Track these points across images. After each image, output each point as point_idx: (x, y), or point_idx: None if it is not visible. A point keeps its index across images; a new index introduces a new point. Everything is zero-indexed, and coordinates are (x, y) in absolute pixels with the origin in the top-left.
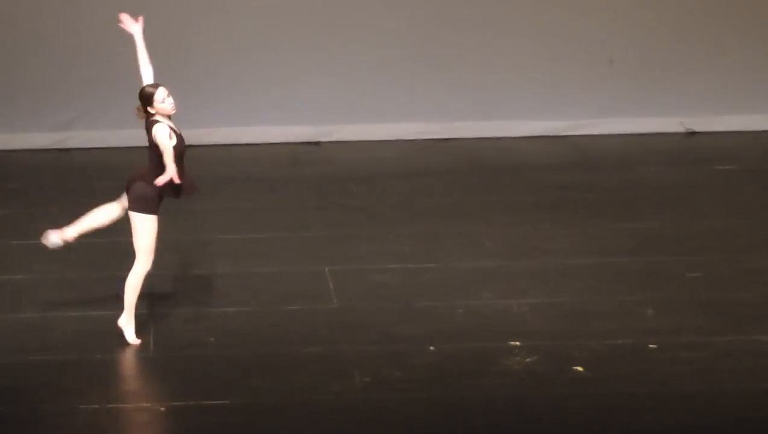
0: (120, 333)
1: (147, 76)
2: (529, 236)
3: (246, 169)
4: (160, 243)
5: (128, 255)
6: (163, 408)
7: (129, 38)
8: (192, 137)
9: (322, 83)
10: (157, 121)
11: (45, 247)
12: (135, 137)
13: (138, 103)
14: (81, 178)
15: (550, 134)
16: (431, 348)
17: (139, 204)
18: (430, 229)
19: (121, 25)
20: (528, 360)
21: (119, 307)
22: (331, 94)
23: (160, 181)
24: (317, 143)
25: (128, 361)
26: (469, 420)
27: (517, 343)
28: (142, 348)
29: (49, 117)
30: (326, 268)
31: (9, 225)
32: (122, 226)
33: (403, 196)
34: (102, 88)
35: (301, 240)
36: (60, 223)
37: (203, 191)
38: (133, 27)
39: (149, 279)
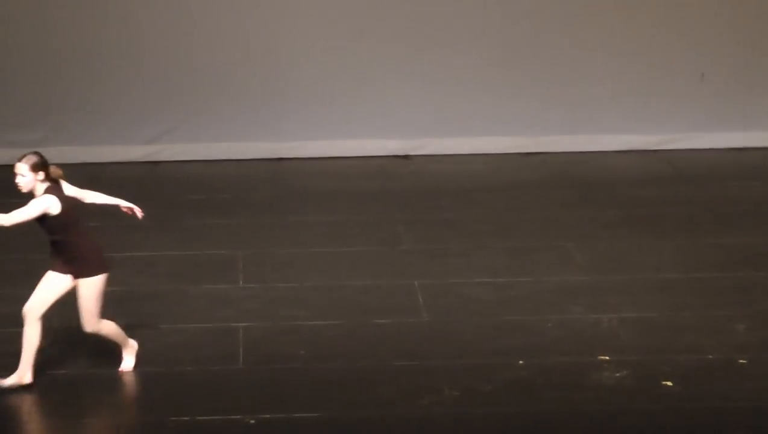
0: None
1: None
2: (620, 250)
3: (336, 183)
4: (249, 257)
5: (217, 268)
6: (252, 421)
7: (220, 58)
8: (283, 151)
9: (412, 97)
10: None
11: (135, 260)
12: (225, 150)
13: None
14: (172, 190)
15: (642, 148)
16: (520, 362)
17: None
18: (520, 244)
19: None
20: (617, 374)
21: (209, 320)
22: (422, 108)
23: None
24: (407, 157)
25: (218, 374)
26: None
27: (607, 358)
28: (231, 361)
29: (141, 130)
30: (416, 282)
31: (101, 237)
32: (215, 238)
33: (493, 210)
34: (193, 102)
35: (391, 254)
36: (151, 236)
37: (288, 205)
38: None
39: (238, 292)
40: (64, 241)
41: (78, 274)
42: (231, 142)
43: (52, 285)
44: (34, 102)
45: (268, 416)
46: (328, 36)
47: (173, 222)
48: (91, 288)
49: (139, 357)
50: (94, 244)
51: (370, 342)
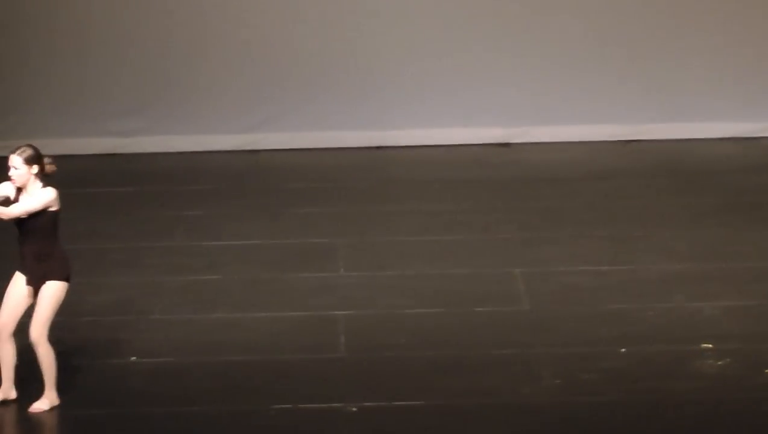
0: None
1: None
2: (721, 239)
3: (436, 171)
4: (349, 245)
5: (317, 256)
6: (354, 409)
7: (321, 48)
8: (382, 139)
9: (512, 85)
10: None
11: (236, 248)
12: (325, 139)
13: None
14: (271, 179)
15: (742, 136)
16: (622, 350)
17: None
18: (621, 232)
19: None
20: (720, 363)
21: (310, 308)
22: (521, 96)
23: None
24: (507, 144)
25: (319, 362)
26: (660, 423)
27: (709, 346)
28: (332, 349)
29: (241, 119)
30: (516, 270)
31: (202, 226)
32: (315, 227)
33: (594, 198)
34: (294, 91)
35: (492, 243)
36: (251, 224)
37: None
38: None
39: (339, 280)
40: (41, 242)
41: (46, 277)
42: (331, 130)
43: (20, 297)
44: (136, 92)
45: (370, 404)
46: (427, 25)
47: (273, 211)
48: (51, 292)
49: (240, 346)
50: (63, 252)
51: (471, 331)
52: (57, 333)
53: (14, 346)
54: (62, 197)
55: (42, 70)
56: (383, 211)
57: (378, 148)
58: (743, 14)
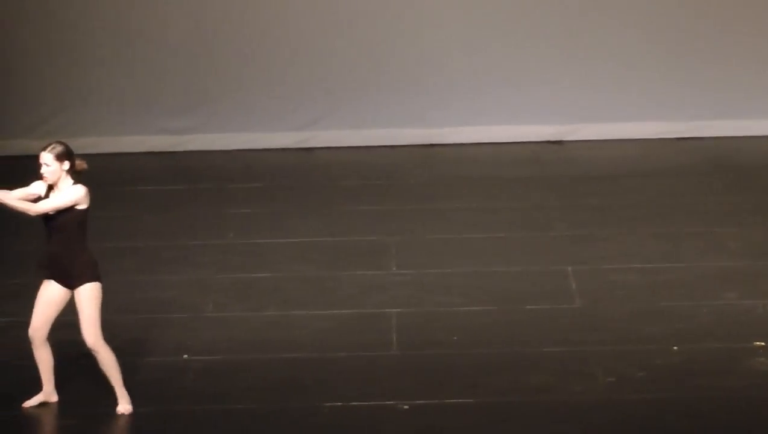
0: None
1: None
2: None
3: (488, 169)
4: (401, 243)
5: (369, 254)
6: (406, 406)
7: (373, 45)
8: (434, 137)
9: (564, 82)
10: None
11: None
12: (377, 137)
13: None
14: (324, 177)
15: None
16: (674, 348)
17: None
18: (673, 229)
19: None
20: None
21: (362, 306)
22: (574, 93)
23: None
24: (559, 142)
25: (371, 360)
26: (713, 421)
27: (762, 344)
28: (384, 347)
29: (294, 117)
30: (568, 268)
31: (254, 224)
32: (367, 225)
33: (647, 195)
34: (346, 89)
35: (543, 240)
36: (303, 222)
37: (440, 191)
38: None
39: (391, 278)
40: (69, 241)
41: (77, 281)
42: (383, 128)
43: (51, 300)
44: (189, 90)
45: (422, 402)
46: (480, 21)
47: (326, 209)
48: (91, 296)
49: (291, 343)
50: (90, 251)
51: (523, 328)
52: (110, 330)
53: (50, 349)
54: (116, 195)
55: (95, 68)
56: (435, 209)
57: (430, 145)
58: None
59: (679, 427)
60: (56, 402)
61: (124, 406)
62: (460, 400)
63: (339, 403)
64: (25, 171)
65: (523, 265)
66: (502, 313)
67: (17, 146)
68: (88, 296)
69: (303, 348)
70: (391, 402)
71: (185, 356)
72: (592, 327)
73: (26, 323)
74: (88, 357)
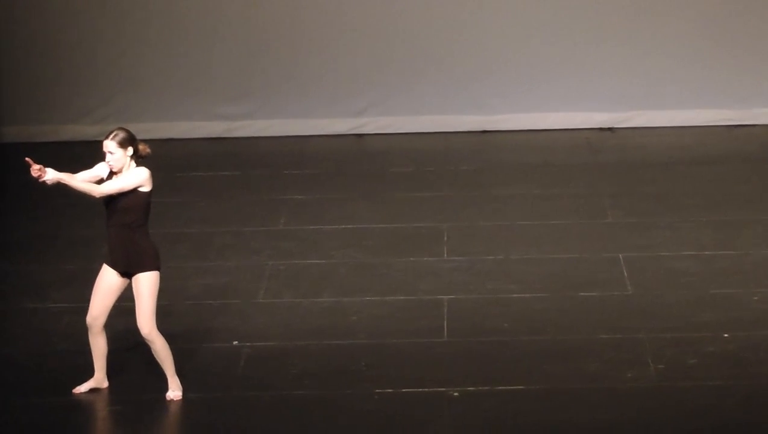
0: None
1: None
2: None
3: (541, 156)
4: (454, 229)
5: (422, 240)
6: (456, 393)
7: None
8: (487, 124)
9: (618, 70)
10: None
11: (341, 232)
12: (430, 123)
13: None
14: (377, 163)
15: None
16: (726, 335)
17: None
18: (727, 217)
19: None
20: None
21: (415, 292)
22: (627, 80)
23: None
24: (612, 129)
25: (422, 347)
26: (764, 409)
27: None
28: (436, 333)
29: (346, 103)
30: (621, 255)
31: (307, 210)
32: (420, 211)
33: (700, 183)
34: (399, 75)
35: (596, 228)
36: (356, 208)
37: (493, 178)
38: (49, 175)
39: (443, 264)
40: (130, 226)
41: (137, 268)
42: (436, 114)
43: (110, 289)
44: (243, 77)
45: (472, 388)
46: (531, 9)
47: (379, 195)
48: (148, 284)
49: (344, 330)
50: (150, 238)
51: (576, 315)
52: (162, 317)
53: (105, 337)
54: (169, 181)
55: (147, 54)
56: (488, 195)
57: (483, 132)
58: None
59: (729, 415)
60: (106, 389)
61: (174, 392)
62: (510, 387)
63: (389, 390)
64: (77, 157)
65: (576, 252)
66: (554, 300)
67: (69, 132)
68: (147, 285)
69: (354, 335)
70: (442, 389)
71: (235, 342)
72: (644, 314)
73: (79, 309)
74: (141, 345)
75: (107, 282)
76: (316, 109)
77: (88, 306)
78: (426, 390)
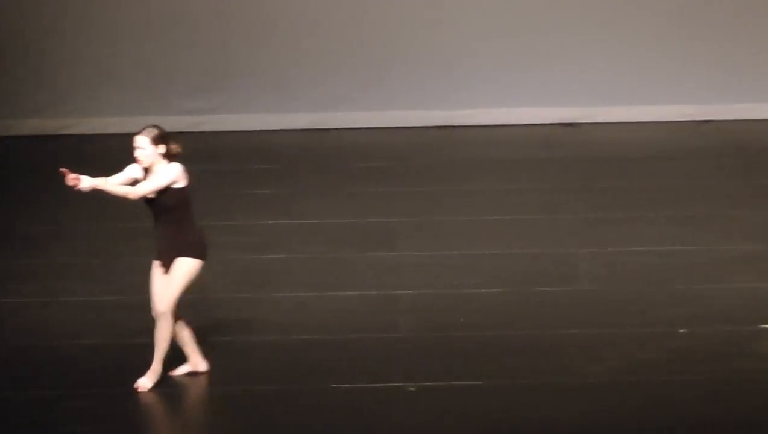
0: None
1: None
2: None
3: (505, 151)
4: (414, 224)
5: (381, 235)
6: (413, 388)
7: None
8: (449, 118)
9: (579, 65)
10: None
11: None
12: (395, 118)
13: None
14: (340, 158)
15: None
16: (681, 330)
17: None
18: (688, 212)
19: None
20: None
21: (372, 287)
22: (590, 75)
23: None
24: (573, 125)
25: (380, 341)
26: (720, 404)
27: None
28: (393, 328)
29: (309, 98)
30: (581, 250)
31: (273, 205)
32: (381, 206)
33: (663, 178)
34: (361, 70)
35: (557, 222)
36: (316, 203)
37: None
38: (84, 183)
39: (402, 259)
40: (174, 221)
41: (179, 253)
42: (399, 110)
43: (162, 282)
44: (205, 71)
45: (429, 383)
46: (498, 5)
47: (341, 190)
48: (183, 269)
49: (303, 325)
50: (198, 230)
51: (533, 311)
52: (115, 310)
53: (183, 323)
54: None
55: (111, 49)
56: (449, 190)
57: (445, 127)
58: None
59: (685, 410)
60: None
61: (144, 381)
62: (467, 382)
63: (346, 384)
64: (38, 151)
65: (536, 248)
66: (513, 295)
67: (30, 126)
68: (182, 268)
69: (311, 330)
70: (399, 384)
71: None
72: (601, 309)
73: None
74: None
75: (159, 277)
76: (281, 103)
77: (50, 300)
78: (382, 385)
